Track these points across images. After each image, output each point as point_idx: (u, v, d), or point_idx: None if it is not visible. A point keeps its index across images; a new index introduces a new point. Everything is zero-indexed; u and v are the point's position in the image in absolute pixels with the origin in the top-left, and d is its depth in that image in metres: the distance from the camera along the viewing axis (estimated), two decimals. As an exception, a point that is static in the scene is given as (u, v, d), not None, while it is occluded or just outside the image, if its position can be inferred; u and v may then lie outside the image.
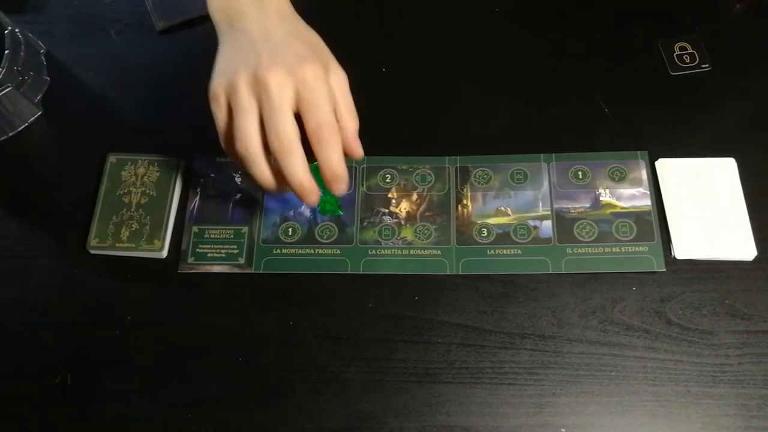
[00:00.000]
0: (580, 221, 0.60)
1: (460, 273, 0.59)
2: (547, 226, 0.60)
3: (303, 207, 0.61)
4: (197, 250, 0.60)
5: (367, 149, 0.63)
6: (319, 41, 0.53)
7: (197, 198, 0.62)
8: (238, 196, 0.62)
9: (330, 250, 0.60)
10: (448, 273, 0.59)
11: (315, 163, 0.50)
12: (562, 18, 0.69)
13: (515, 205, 0.61)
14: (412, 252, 0.60)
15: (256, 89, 0.48)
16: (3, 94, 0.62)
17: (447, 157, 0.63)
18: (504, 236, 0.60)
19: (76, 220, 0.61)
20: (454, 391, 0.55)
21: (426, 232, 0.60)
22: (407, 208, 0.61)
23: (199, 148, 0.64)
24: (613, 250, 0.59)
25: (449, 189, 0.62)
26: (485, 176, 0.62)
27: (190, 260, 0.60)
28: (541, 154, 0.63)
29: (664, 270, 0.58)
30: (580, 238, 0.59)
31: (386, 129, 0.64)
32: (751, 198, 0.60)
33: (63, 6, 0.72)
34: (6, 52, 0.63)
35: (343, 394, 0.55)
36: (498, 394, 0.55)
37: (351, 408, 0.55)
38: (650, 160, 0.62)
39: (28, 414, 0.56)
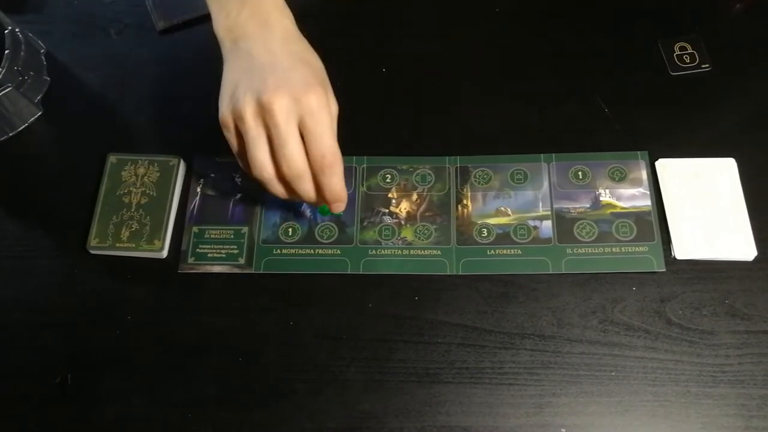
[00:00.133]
0: (580, 221, 0.60)
1: (460, 273, 0.59)
2: (547, 226, 0.60)
3: (303, 207, 0.61)
4: (197, 250, 0.60)
5: (368, 149, 0.64)
6: (320, 64, 0.53)
7: (197, 198, 0.62)
8: (238, 196, 0.62)
9: (330, 250, 0.60)
10: (448, 273, 0.59)
11: None
12: (562, 18, 0.69)
13: (515, 205, 0.61)
14: (412, 252, 0.60)
15: (262, 115, 0.49)
16: (3, 94, 0.62)
17: (447, 157, 0.63)
18: (504, 236, 0.60)
19: (76, 220, 0.61)
20: (454, 391, 0.55)
21: (426, 232, 0.60)
22: (407, 208, 0.61)
23: (199, 148, 0.64)
24: (613, 250, 0.59)
25: (449, 189, 0.62)
26: (485, 176, 0.62)
27: (190, 260, 0.60)
28: (541, 154, 0.63)
29: (664, 270, 0.58)
30: (580, 238, 0.59)
31: (386, 129, 0.64)
32: (751, 198, 0.60)
33: (63, 6, 0.72)
34: (6, 52, 0.63)
35: (343, 394, 0.55)
36: (498, 394, 0.55)
37: (351, 408, 0.55)
38: (650, 160, 0.62)
39: (28, 414, 0.56)
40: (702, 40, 0.66)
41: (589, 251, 0.59)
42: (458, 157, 0.63)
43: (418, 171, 0.63)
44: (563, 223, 0.60)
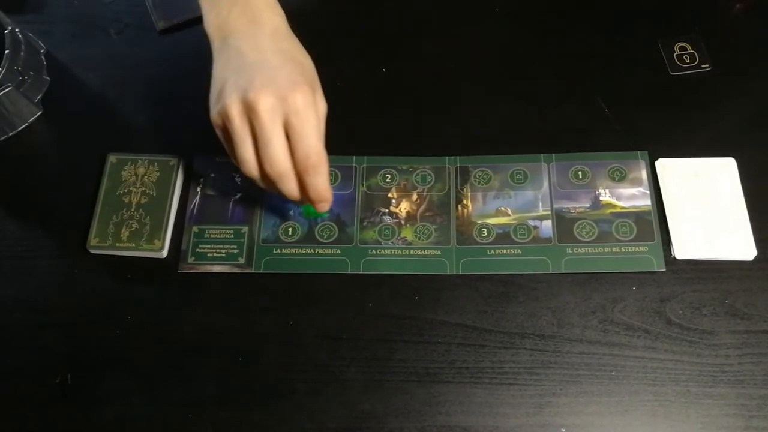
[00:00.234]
0: (580, 221, 0.60)
1: (460, 273, 0.59)
2: (547, 226, 0.60)
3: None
4: (197, 249, 0.60)
5: (368, 149, 0.64)
6: (311, 64, 0.53)
7: (197, 198, 0.62)
8: (238, 195, 0.62)
9: (330, 250, 0.60)
10: (448, 273, 0.59)
11: None
12: (562, 18, 0.69)
13: (515, 205, 0.61)
14: (412, 252, 0.60)
15: (247, 114, 0.49)
16: (3, 94, 0.62)
17: (447, 157, 0.63)
18: (504, 236, 0.60)
19: (76, 220, 0.61)
20: (454, 391, 0.55)
21: (426, 232, 0.60)
22: (407, 208, 0.61)
23: (199, 148, 0.64)
24: (613, 250, 0.59)
25: (449, 189, 0.62)
26: (485, 176, 0.62)
27: (190, 260, 0.60)
28: (541, 154, 0.63)
29: (664, 270, 0.58)
30: (580, 238, 0.59)
31: (386, 129, 0.65)
32: (751, 198, 0.60)
33: (63, 6, 0.72)
34: (6, 52, 0.63)
35: (343, 394, 0.55)
36: (498, 394, 0.55)
37: (351, 408, 0.55)
38: (650, 160, 0.62)
39: (28, 414, 0.56)
40: (702, 40, 0.66)
41: (589, 251, 0.59)
42: (458, 157, 0.63)
43: (418, 171, 0.63)
44: (563, 223, 0.60)
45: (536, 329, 0.57)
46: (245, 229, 0.61)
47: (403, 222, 0.61)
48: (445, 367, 0.56)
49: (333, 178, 0.62)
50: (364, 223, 0.61)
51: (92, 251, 0.60)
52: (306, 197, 0.53)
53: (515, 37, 0.69)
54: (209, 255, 0.60)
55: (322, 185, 0.52)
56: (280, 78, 0.49)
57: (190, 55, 0.69)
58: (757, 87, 0.65)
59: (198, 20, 0.68)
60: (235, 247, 0.60)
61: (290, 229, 0.61)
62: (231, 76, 0.50)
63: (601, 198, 0.61)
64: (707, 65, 0.65)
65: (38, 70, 0.67)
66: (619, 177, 0.61)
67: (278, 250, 0.60)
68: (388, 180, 0.62)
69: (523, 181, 0.62)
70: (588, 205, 0.61)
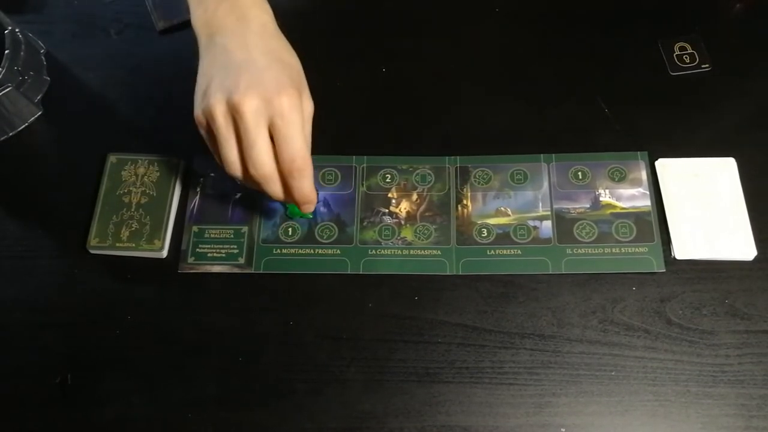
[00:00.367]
0: (580, 221, 0.60)
1: (460, 273, 0.59)
2: (547, 227, 0.60)
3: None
4: (197, 249, 0.60)
5: (368, 149, 0.64)
6: (298, 63, 0.53)
7: (197, 198, 0.62)
8: (238, 196, 0.62)
9: (330, 250, 0.60)
10: (448, 273, 0.59)
11: None
12: (562, 18, 0.69)
13: (515, 206, 0.61)
14: (412, 252, 0.60)
15: (232, 115, 0.48)
16: (3, 94, 0.62)
17: (447, 157, 0.63)
18: (504, 236, 0.60)
19: (76, 220, 0.61)
20: (454, 391, 0.55)
21: (426, 232, 0.60)
22: (407, 208, 0.61)
23: (199, 148, 0.63)
24: (613, 250, 0.59)
25: (449, 189, 0.62)
26: (485, 176, 0.62)
27: (190, 260, 0.60)
28: (541, 155, 0.63)
29: (664, 270, 0.58)
30: (580, 239, 0.59)
31: (386, 129, 0.65)
32: (751, 198, 0.60)
33: (63, 6, 0.72)
34: (6, 52, 0.63)
35: (343, 394, 0.55)
36: (498, 394, 0.55)
37: (351, 408, 0.55)
38: (650, 160, 0.62)
39: (28, 414, 0.56)
40: (702, 40, 0.66)
41: (589, 251, 0.59)
42: (458, 157, 0.63)
43: (418, 171, 0.63)
44: (563, 223, 0.60)
45: (536, 329, 0.57)
46: (245, 229, 0.61)
47: (403, 222, 0.61)
48: (445, 367, 0.56)
49: (333, 178, 0.62)
50: (364, 223, 0.61)
51: (92, 251, 0.60)
52: (290, 199, 0.53)
53: (515, 37, 0.69)
54: (209, 255, 0.60)
55: (307, 188, 0.51)
56: (266, 79, 0.49)
57: (190, 55, 0.68)
58: (757, 87, 0.65)
59: (198, 20, 0.69)
60: (235, 247, 0.60)
61: (290, 229, 0.61)
62: (217, 74, 0.50)
63: (601, 198, 0.61)
64: (707, 65, 0.65)
65: (38, 70, 0.67)
66: (619, 177, 0.61)
67: (278, 250, 0.60)
68: (388, 180, 0.62)
69: (523, 181, 0.62)
70: (588, 206, 0.61)
